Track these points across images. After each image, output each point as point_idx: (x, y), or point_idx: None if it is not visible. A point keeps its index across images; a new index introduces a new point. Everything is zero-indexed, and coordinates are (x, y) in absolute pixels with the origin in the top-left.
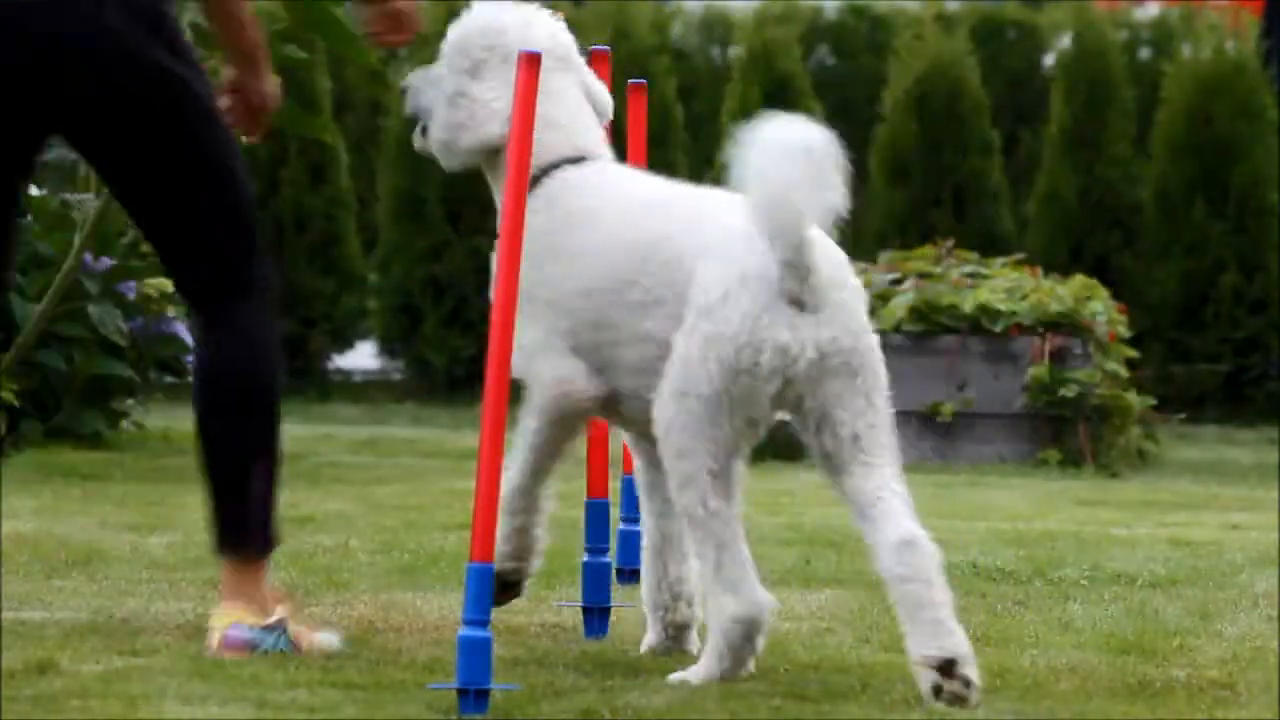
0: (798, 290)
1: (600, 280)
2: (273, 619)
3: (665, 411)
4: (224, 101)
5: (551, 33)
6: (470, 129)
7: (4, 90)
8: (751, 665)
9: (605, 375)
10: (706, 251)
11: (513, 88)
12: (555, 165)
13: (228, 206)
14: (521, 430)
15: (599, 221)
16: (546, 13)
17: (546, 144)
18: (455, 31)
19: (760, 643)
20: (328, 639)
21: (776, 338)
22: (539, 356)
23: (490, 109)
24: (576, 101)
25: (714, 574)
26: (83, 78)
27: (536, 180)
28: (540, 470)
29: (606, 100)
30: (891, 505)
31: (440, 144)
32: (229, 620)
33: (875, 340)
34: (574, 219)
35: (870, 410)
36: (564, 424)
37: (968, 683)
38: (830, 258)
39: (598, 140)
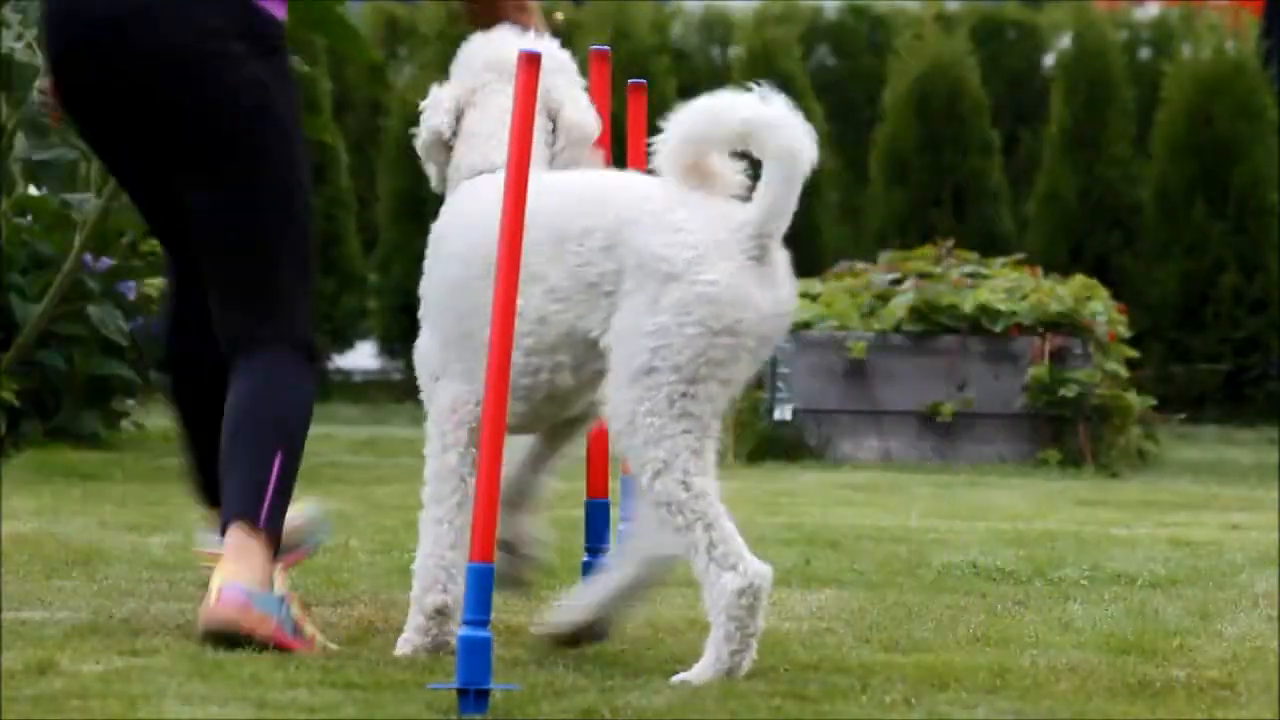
0: (770, 241)
1: (471, 272)
2: (276, 592)
3: (627, 398)
4: None
5: (506, 48)
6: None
7: (100, 93)
8: (754, 651)
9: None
10: (637, 226)
11: (456, 96)
12: (469, 178)
13: (282, 232)
14: (433, 470)
15: (475, 220)
16: (529, 36)
17: (464, 160)
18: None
19: (762, 620)
20: (328, 645)
21: (753, 295)
22: (441, 383)
23: (435, 101)
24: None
25: (707, 555)
26: (172, 83)
27: (456, 187)
28: (461, 506)
29: (573, 120)
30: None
31: None
32: (228, 577)
33: None
34: (457, 222)
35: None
36: (470, 443)
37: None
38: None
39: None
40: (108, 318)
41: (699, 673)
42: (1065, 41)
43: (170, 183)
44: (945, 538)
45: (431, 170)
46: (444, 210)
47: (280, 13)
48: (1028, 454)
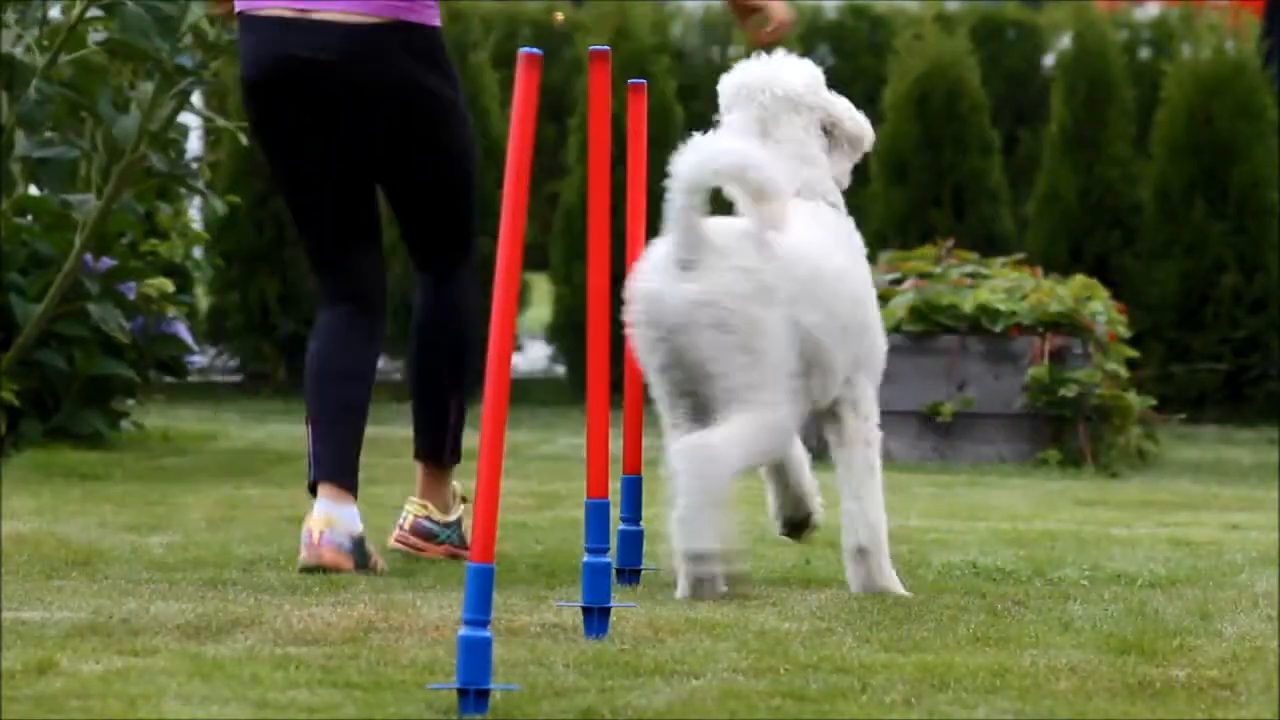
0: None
1: None
2: (451, 517)
3: None
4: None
5: (788, 81)
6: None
7: (329, 113)
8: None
9: None
10: None
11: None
12: None
13: (459, 189)
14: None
15: None
16: (792, 65)
17: None
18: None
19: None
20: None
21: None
22: None
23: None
24: (794, 144)
25: None
26: (381, 102)
27: None
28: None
29: (855, 131)
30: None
31: None
32: (421, 511)
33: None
34: None
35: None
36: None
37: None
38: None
39: (806, 177)
40: (109, 317)
41: None
42: (1065, 41)
43: (358, 180)
44: (945, 538)
45: None
46: None
47: (436, 20)
48: (1028, 454)
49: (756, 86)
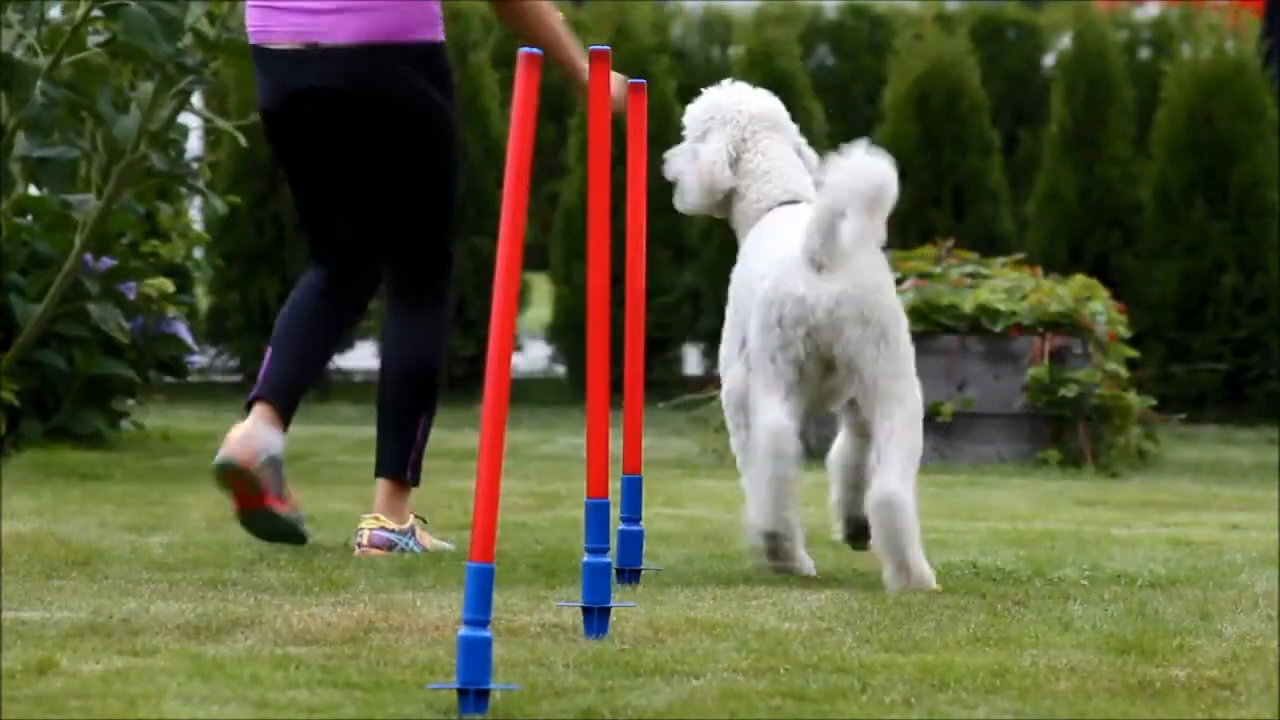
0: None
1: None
2: (405, 525)
3: None
4: None
5: (764, 102)
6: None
7: (328, 121)
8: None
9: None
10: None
11: (729, 146)
12: (773, 206)
13: (439, 218)
14: (736, 443)
15: (774, 240)
16: (761, 91)
17: (764, 191)
18: (692, 108)
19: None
20: (445, 544)
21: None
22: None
23: (711, 161)
24: (786, 156)
25: None
26: (381, 111)
27: (760, 216)
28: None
29: (813, 158)
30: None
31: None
32: (376, 524)
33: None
34: (761, 241)
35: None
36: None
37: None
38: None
39: (807, 186)
40: (109, 317)
41: None
42: (1065, 41)
43: (355, 197)
44: (945, 538)
45: (702, 205)
46: (758, 230)
47: (441, 35)
48: (1028, 454)
49: (731, 107)
